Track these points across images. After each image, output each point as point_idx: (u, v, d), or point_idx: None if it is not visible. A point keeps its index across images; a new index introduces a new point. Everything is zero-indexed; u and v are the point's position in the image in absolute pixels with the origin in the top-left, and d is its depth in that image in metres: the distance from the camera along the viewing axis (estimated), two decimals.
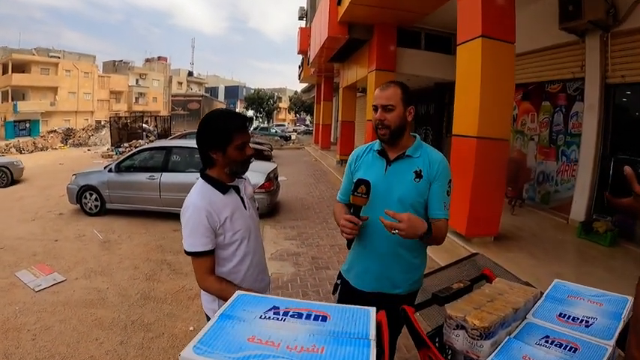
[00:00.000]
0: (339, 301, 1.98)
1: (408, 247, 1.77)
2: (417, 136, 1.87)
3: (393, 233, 1.55)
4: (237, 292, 1.08)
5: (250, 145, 1.71)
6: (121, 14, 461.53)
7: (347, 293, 1.94)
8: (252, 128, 25.02)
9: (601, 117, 5.89)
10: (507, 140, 5.26)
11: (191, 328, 3.43)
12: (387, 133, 1.74)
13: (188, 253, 1.61)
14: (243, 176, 1.81)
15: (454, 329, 1.34)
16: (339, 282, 2.00)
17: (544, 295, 1.57)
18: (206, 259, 1.61)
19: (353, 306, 1.03)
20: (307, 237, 6.14)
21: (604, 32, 5.63)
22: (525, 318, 1.44)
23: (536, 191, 7.45)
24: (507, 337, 1.31)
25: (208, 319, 1.75)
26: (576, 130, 6.47)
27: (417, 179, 1.74)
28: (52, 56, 44.76)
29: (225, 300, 1.60)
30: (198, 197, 1.61)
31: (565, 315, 1.42)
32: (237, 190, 1.75)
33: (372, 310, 1.00)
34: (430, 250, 2.02)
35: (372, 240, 1.77)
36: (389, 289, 1.82)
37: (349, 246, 1.79)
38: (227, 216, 1.64)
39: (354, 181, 1.68)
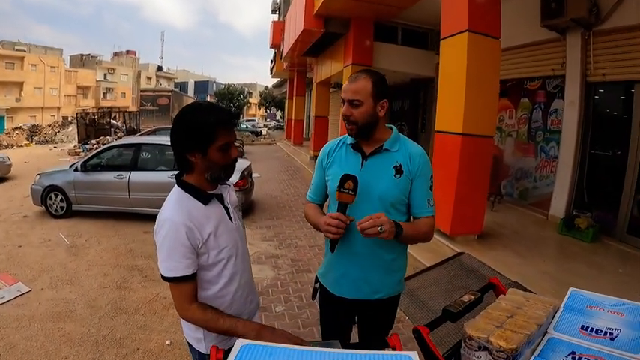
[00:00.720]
0: (320, 306, 1.88)
1: (387, 247, 1.63)
2: (394, 127, 1.71)
3: (379, 232, 1.41)
4: (239, 342, 0.83)
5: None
6: (92, 7, 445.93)
7: (326, 299, 1.81)
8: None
9: (581, 114, 5.92)
10: (492, 137, 5.23)
11: (168, 342, 3.18)
12: (354, 129, 1.61)
13: (166, 279, 1.34)
14: (227, 182, 1.54)
15: (475, 350, 1.20)
16: (316, 286, 1.87)
17: (562, 306, 1.46)
18: (187, 285, 1.34)
19: (388, 352, 0.83)
20: (285, 237, 5.97)
21: (586, 30, 5.64)
22: (546, 332, 1.30)
23: (514, 187, 7.48)
24: (532, 356, 1.16)
25: (190, 347, 1.51)
26: (555, 127, 6.51)
27: (398, 175, 1.61)
28: (17, 50, 43.24)
29: (212, 331, 1.36)
30: (176, 210, 1.34)
31: (587, 327, 1.30)
32: (221, 199, 1.48)
33: (414, 355, 0.80)
34: (414, 250, 1.90)
35: (347, 241, 1.60)
36: (369, 295, 1.69)
37: (333, 248, 1.59)
38: (210, 231, 1.37)
39: (341, 176, 1.50)
